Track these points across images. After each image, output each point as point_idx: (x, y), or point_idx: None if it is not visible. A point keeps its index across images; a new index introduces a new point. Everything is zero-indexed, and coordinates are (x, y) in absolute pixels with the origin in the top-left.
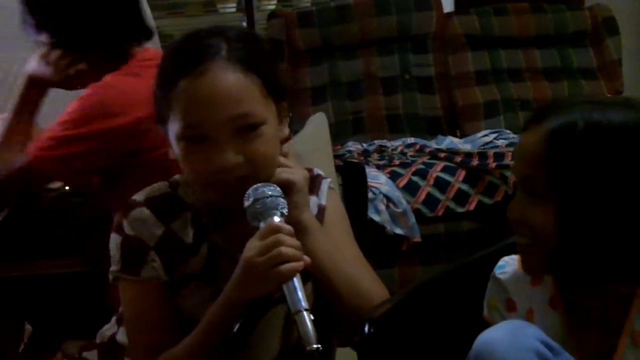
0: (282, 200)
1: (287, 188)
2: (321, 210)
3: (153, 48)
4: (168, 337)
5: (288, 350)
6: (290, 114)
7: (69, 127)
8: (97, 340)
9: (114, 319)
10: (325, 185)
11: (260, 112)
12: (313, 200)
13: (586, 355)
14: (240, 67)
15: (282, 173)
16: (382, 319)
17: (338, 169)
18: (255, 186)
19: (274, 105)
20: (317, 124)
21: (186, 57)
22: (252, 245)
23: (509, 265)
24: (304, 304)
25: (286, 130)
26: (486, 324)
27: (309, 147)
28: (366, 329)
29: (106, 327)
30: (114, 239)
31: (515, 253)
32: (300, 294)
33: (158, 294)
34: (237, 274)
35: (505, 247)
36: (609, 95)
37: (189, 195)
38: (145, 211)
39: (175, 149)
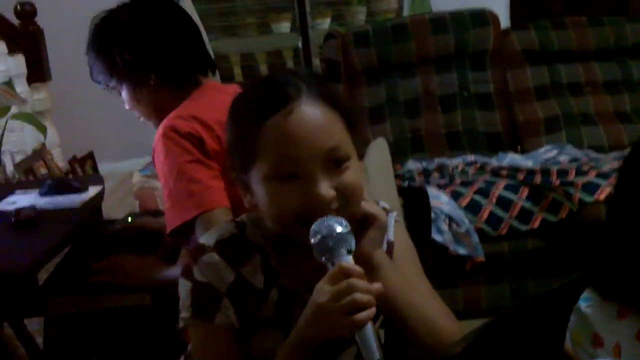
0: (350, 236)
1: (369, 222)
2: (390, 245)
3: (213, 79)
4: None
5: None
6: None
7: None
8: None
9: (182, 357)
10: (392, 219)
11: (346, 145)
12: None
13: None
14: (322, 102)
15: (366, 206)
16: (459, 358)
17: (400, 191)
18: (321, 220)
19: (353, 140)
20: (379, 149)
21: (269, 99)
22: (324, 290)
23: (594, 297)
24: (377, 354)
25: (363, 165)
26: (568, 359)
27: (372, 173)
28: None
29: None
30: (184, 285)
31: (595, 283)
32: (373, 342)
33: (229, 340)
34: (307, 317)
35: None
36: None
37: (257, 236)
38: (215, 256)
39: (259, 192)
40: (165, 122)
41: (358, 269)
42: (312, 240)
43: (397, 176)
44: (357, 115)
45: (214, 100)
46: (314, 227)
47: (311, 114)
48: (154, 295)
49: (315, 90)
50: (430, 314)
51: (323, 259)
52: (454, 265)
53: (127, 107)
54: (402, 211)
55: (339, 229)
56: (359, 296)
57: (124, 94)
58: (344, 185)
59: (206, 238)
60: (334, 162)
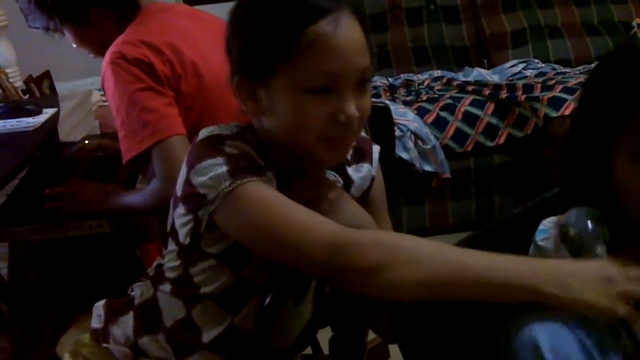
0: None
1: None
2: (372, 182)
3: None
4: None
5: (319, 313)
6: None
7: None
8: (136, 302)
9: (147, 281)
10: (376, 153)
11: (372, 68)
12: (367, 169)
13: None
14: (359, 19)
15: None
16: None
17: None
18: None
19: None
20: None
21: (314, 3)
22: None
23: (551, 231)
24: None
25: None
26: None
27: None
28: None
29: (138, 286)
30: (212, 163)
31: (552, 210)
32: None
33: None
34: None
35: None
36: (638, 20)
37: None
38: (242, 144)
39: (282, 102)
40: (112, 49)
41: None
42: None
43: None
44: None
45: (162, 22)
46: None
47: (354, 28)
48: (113, 222)
49: (349, 5)
50: None
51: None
52: (420, 182)
53: (74, 45)
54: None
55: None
56: None
57: (67, 35)
58: (364, 107)
59: (221, 129)
60: (363, 82)
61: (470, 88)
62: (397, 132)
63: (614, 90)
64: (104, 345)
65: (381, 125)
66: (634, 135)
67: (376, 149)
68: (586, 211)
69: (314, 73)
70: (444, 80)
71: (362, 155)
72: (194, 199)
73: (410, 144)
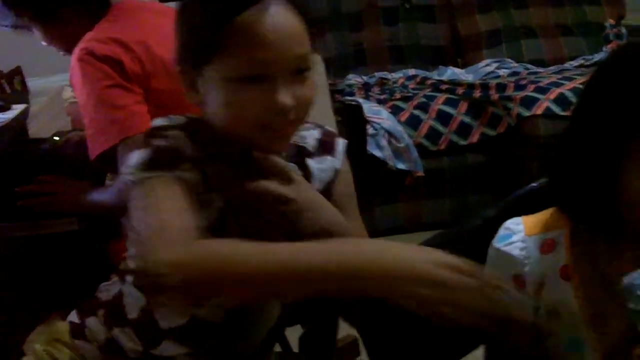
0: None
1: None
2: (336, 173)
3: None
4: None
5: (288, 312)
6: None
7: None
8: (103, 299)
9: (116, 278)
10: (341, 147)
11: (311, 56)
12: (329, 162)
13: (603, 335)
14: (293, 8)
15: None
16: None
17: (336, 110)
18: None
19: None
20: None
21: None
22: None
23: (515, 234)
24: None
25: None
26: None
27: None
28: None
29: (106, 285)
30: (137, 154)
31: (516, 213)
32: None
33: (188, 195)
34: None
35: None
36: (611, 21)
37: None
38: (179, 133)
39: (215, 93)
40: (81, 45)
41: None
42: None
43: (337, 91)
44: (319, 29)
45: (132, 20)
46: None
47: (285, 16)
48: (82, 220)
49: None
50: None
51: None
52: (394, 180)
53: (43, 44)
54: (337, 128)
55: None
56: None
57: (36, 33)
58: (303, 97)
59: (163, 121)
60: (299, 71)
61: (444, 87)
62: (371, 130)
63: (631, 94)
64: (77, 341)
65: (353, 122)
66: None
67: (341, 142)
68: None
69: (243, 61)
70: (418, 79)
71: (325, 149)
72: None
73: (384, 142)
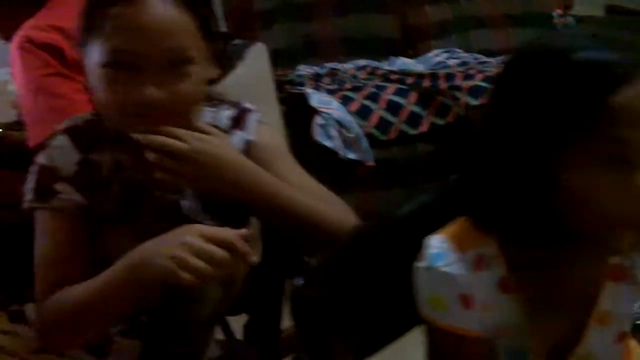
0: None
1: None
2: (248, 144)
3: None
4: (76, 274)
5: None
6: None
7: None
8: None
9: None
10: (252, 119)
11: (192, 50)
12: (239, 135)
13: (545, 338)
14: (176, 1)
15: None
16: (318, 271)
17: (281, 100)
18: None
19: (206, 46)
20: (256, 56)
21: None
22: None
23: (448, 252)
24: None
25: (215, 71)
26: None
27: (249, 81)
28: (299, 281)
29: None
30: (32, 169)
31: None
32: None
33: (70, 226)
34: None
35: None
36: (558, 11)
37: (112, 126)
38: (64, 140)
39: (92, 77)
40: (20, 33)
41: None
42: None
43: (288, 82)
44: (215, 24)
45: (72, 7)
46: None
47: (159, 8)
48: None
49: None
50: (314, 204)
51: None
52: (345, 170)
53: None
54: (284, 119)
55: None
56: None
57: None
58: (177, 92)
59: (63, 124)
60: (174, 64)
61: (394, 77)
62: (321, 121)
63: (568, 93)
64: (16, 325)
65: (299, 112)
66: (604, 136)
67: (254, 116)
68: None
69: (112, 48)
70: (369, 70)
71: (237, 124)
72: None
73: (334, 132)
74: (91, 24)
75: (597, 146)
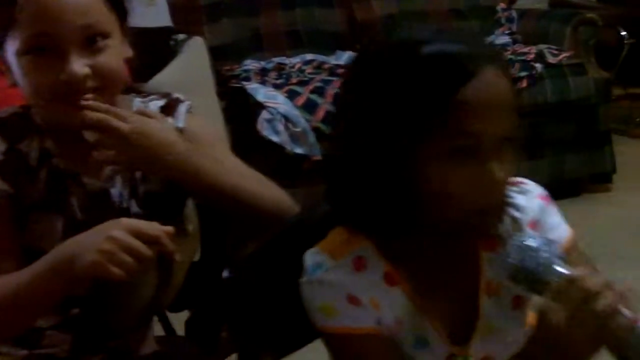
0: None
1: None
2: (178, 132)
3: None
4: (4, 264)
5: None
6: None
7: None
8: None
9: None
10: (182, 108)
11: (106, 24)
12: (169, 121)
13: (443, 322)
14: None
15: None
16: (246, 263)
17: (223, 94)
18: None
19: (118, 22)
20: (194, 50)
21: None
22: None
23: (325, 262)
24: None
25: (129, 51)
26: None
27: (186, 74)
28: (226, 273)
29: None
30: None
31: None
32: None
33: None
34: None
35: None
36: (502, 4)
37: (39, 117)
38: None
39: (15, 68)
40: None
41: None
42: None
43: (234, 76)
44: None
45: None
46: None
47: None
48: None
49: None
50: (253, 186)
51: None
52: (292, 165)
53: None
54: (224, 114)
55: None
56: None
57: None
58: (100, 65)
59: (4, 112)
60: (92, 40)
61: (340, 71)
62: (267, 115)
63: (419, 87)
64: None
65: (240, 106)
66: (452, 129)
67: (185, 104)
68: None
69: (30, 34)
70: (315, 64)
71: (166, 112)
72: None
73: (281, 127)
74: (5, 19)
75: (451, 139)
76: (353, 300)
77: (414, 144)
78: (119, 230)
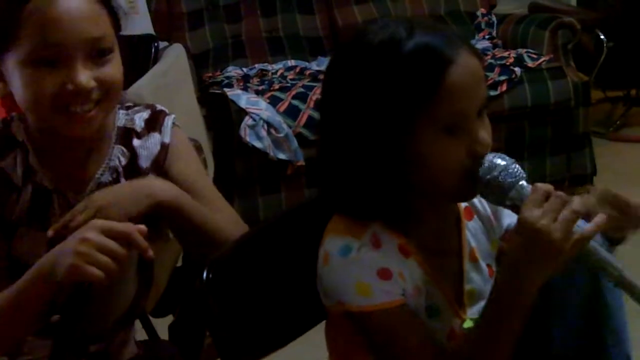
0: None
1: None
2: (164, 147)
3: None
4: None
5: (144, 291)
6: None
7: None
8: None
9: None
10: (168, 121)
11: (111, 36)
12: (156, 137)
13: (447, 287)
14: None
15: None
16: (223, 263)
17: (200, 100)
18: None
19: (116, 36)
20: (175, 56)
21: None
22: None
23: (353, 242)
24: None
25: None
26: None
27: (167, 81)
28: (205, 274)
29: None
30: None
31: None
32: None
33: None
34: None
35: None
36: (482, 10)
37: (21, 132)
38: None
39: (15, 79)
40: None
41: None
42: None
43: (216, 83)
44: (123, 16)
45: None
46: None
47: (73, 1)
48: None
49: None
50: (208, 213)
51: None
52: (275, 170)
53: None
54: (204, 121)
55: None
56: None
57: None
58: (105, 77)
59: None
60: (97, 53)
61: (322, 77)
62: (250, 121)
63: (404, 85)
64: None
65: (219, 112)
66: (442, 110)
67: (170, 118)
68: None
69: (37, 44)
70: (297, 70)
71: (152, 126)
72: None
73: (264, 133)
74: (8, 28)
75: (437, 119)
76: (384, 274)
77: (407, 133)
78: (91, 231)
